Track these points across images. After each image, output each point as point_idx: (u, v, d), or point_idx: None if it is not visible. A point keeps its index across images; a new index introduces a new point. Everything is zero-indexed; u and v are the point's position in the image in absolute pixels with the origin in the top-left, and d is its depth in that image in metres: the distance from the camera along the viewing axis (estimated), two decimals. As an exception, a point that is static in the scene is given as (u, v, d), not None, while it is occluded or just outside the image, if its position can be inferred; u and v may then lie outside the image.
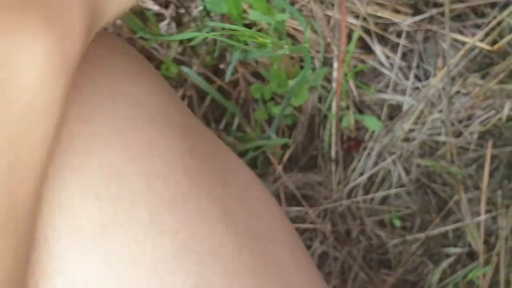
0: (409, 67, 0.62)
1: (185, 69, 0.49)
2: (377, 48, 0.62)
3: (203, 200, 0.33)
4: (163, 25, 0.52)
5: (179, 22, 0.56)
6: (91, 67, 0.32)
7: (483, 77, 0.60)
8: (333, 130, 0.59)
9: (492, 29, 0.60)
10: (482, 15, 0.64)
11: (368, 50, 0.62)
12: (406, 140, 0.61)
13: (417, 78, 0.62)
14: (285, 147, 0.60)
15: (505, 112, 0.57)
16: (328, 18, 0.62)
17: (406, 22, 0.62)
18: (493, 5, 0.63)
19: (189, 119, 0.36)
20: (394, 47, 0.62)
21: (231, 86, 0.56)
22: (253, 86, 0.53)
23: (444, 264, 0.61)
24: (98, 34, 0.35)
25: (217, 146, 0.37)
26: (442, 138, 0.60)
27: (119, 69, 0.33)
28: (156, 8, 0.53)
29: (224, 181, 0.35)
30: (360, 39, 0.61)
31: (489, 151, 0.61)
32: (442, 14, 0.63)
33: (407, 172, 0.62)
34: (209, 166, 0.34)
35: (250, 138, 0.55)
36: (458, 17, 0.64)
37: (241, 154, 0.56)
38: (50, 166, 0.27)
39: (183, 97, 0.56)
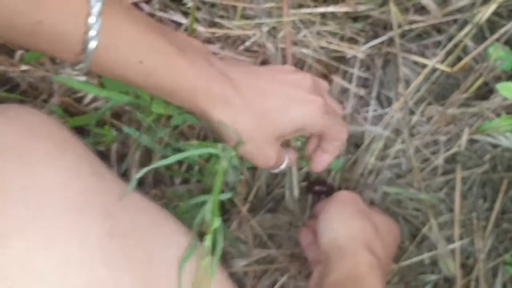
0: (370, 94, 0.60)
1: (127, 129, 0.48)
2: (335, 78, 0.60)
3: (125, 282, 0.33)
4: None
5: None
6: (6, 158, 0.32)
7: (444, 102, 0.59)
8: (294, 174, 0.58)
9: (451, 50, 0.58)
10: (443, 32, 0.62)
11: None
12: (371, 172, 0.60)
13: (381, 104, 0.61)
14: (248, 187, 0.59)
15: (463, 139, 0.55)
16: (282, 52, 0.60)
17: (362, 48, 0.60)
18: (453, 22, 0.61)
19: (113, 192, 0.35)
20: (352, 75, 0.61)
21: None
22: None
23: (422, 293, 0.60)
24: (14, 111, 0.34)
25: (144, 216, 0.37)
26: (406, 166, 0.59)
27: (35, 154, 0.33)
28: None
29: (149, 257, 0.35)
30: (316, 70, 0.60)
31: (459, 173, 0.59)
32: (401, 35, 0.61)
33: (375, 201, 0.61)
34: (131, 244, 0.34)
35: (209, 186, 0.54)
36: (418, 36, 0.62)
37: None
38: None
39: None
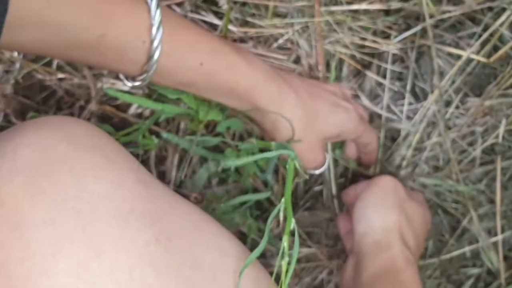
0: (405, 87, 0.60)
1: (165, 134, 0.49)
2: (368, 73, 0.60)
3: (171, 287, 0.34)
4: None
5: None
6: (56, 168, 0.33)
7: (480, 93, 0.58)
8: (331, 171, 0.58)
9: (487, 40, 0.57)
10: (479, 22, 0.60)
11: (362, 77, 0.61)
12: (408, 164, 0.59)
13: (417, 97, 0.60)
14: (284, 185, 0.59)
15: (501, 130, 0.54)
16: (315, 49, 0.60)
17: (395, 41, 0.59)
18: (488, 10, 0.60)
19: (157, 199, 0.36)
20: (386, 69, 0.60)
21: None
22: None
23: (465, 286, 0.59)
24: (59, 123, 0.35)
25: (187, 221, 0.37)
26: (443, 158, 0.58)
27: (83, 165, 0.34)
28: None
29: (193, 262, 0.35)
30: (352, 67, 0.60)
31: (498, 164, 0.58)
32: (435, 26, 0.60)
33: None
34: (176, 249, 0.35)
35: (246, 186, 0.55)
36: (452, 26, 0.61)
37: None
38: (20, 271, 0.29)
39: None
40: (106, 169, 0.34)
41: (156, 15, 0.40)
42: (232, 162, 0.40)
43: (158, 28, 0.40)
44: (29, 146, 0.33)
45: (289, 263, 0.34)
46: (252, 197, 0.49)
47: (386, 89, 0.59)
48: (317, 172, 0.55)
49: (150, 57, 0.40)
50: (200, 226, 0.38)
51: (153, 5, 0.40)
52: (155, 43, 0.40)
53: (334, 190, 0.59)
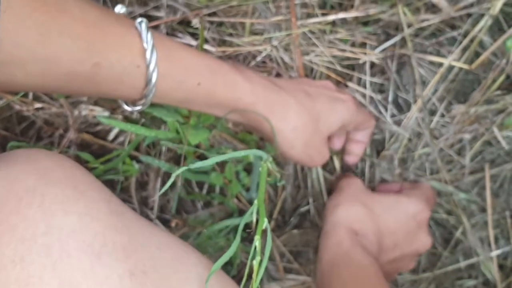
0: (387, 99, 0.59)
1: (144, 158, 0.48)
2: (350, 84, 0.59)
3: None
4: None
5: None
6: (25, 204, 0.32)
7: (465, 100, 0.57)
8: (320, 178, 0.57)
9: (468, 46, 0.57)
10: (458, 29, 0.60)
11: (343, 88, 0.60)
12: (396, 176, 0.58)
13: (400, 109, 0.59)
14: (272, 204, 0.58)
15: (497, 134, 0.53)
16: (295, 63, 0.59)
17: (375, 52, 0.59)
18: (467, 16, 0.59)
19: (132, 230, 0.35)
20: (361, 80, 0.59)
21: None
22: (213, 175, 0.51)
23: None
24: (28, 156, 0.35)
25: (164, 252, 0.36)
26: (431, 168, 0.57)
27: (53, 199, 0.33)
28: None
29: None
30: (330, 79, 0.59)
31: (487, 172, 0.57)
32: (415, 34, 0.60)
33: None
34: (153, 283, 0.34)
35: (231, 208, 0.53)
36: (432, 34, 0.60)
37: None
38: None
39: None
40: (76, 202, 0.33)
41: (148, 38, 0.40)
42: (198, 164, 0.39)
43: (152, 52, 0.40)
44: None
45: (260, 262, 0.33)
46: (234, 221, 0.47)
47: (368, 100, 0.58)
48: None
49: (148, 81, 0.40)
50: (179, 257, 0.37)
51: (143, 29, 0.40)
52: (151, 67, 0.40)
53: (325, 200, 0.57)
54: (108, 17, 0.39)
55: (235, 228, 0.53)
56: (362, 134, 0.56)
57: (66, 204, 0.33)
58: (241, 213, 0.55)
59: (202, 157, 0.54)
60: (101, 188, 0.36)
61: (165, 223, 0.54)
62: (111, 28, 0.39)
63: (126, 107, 0.44)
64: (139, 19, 0.41)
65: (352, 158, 0.57)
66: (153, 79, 0.40)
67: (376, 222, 0.52)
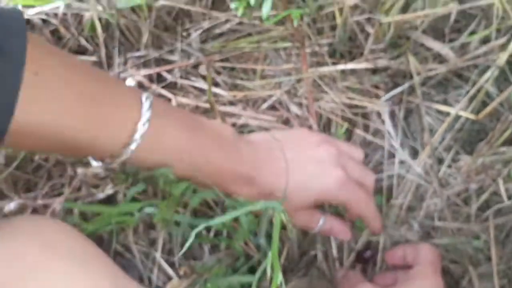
0: (395, 146, 0.59)
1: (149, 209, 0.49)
2: (358, 131, 0.60)
3: None
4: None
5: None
6: (29, 280, 0.32)
7: (471, 149, 0.57)
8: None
9: (475, 96, 0.58)
10: (466, 78, 0.61)
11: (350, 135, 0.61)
12: (402, 223, 0.58)
13: (407, 156, 0.60)
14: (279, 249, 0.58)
15: (501, 186, 0.54)
16: (304, 109, 0.60)
17: (382, 100, 0.60)
18: (474, 67, 0.60)
19: None
20: (370, 128, 0.60)
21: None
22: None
23: None
24: (34, 226, 0.35)
25: None
26: (438, 216, 0.57)
27: (57, 276, 0.34)
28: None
29: None
30: (339, 125, 0.60)
31: (491, 223, 0.57)
32: (422, 83, 0.61)
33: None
34: None
35: (238, 252, 0.54)
36: (439, 83, 0.61)
37: (233, 268, 0.55)
38: None
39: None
40: (80, 277, 0.34)
41: (146, 114, 0.43)
42: (218, 219, 0.40)
43: (144, 125, 0.43)
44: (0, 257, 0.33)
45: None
46: (244, 279, 0.48)
47: (375, 147, 0.59)
48: (316, 229, 0.56)
49: (125, 148, 0.43)
50: None
51: (145, 109, 0.43)
52: (135, 137, 0.42)
53: (334, 252, 0.57)
54: (111, 91, 0.42)
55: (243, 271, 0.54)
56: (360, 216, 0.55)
57: (69, 280, 0.34)
58: (248, 257, 0.55)
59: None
60: (107, 263, 0.37)
61: (172, 265, 0.55)
62: (112, 105, 0.42)
63: (94, 163, 0.46)
64: (146, 95, 0.44)
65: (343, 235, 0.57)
66: (131, 147, 0.43)
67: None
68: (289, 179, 0.50)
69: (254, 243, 0.56)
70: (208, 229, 0.57)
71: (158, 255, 0.53)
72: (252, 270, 0.57)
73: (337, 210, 0.57)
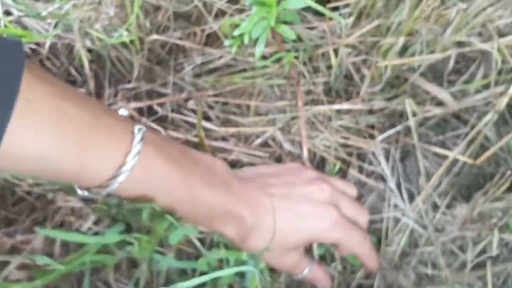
0: (390, 189, 0.58)
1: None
2: (352, 171, 0.58)
3: None
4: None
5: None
6: None
7: (468, 195, 0.56)
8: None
9: (473, 139, 0.56)
10: (464, 121, 0.60)
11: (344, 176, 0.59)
12: (396, 267, 0.56)
13: (402, 199, 0.58)
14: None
15: (495, 241, 0.52)
16: (297, 147, 0.59)
17: (378, 140, 0.58)
18: (473, 111, 0.59)
19: None
20: (364, 168, 0.58)
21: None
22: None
23: None
24: None
25: None
26: (432, 263, 0.55)
27: None
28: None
29: None
30: (333, 165, 0.58)
31: (489, 270, 0.55)
32: (420, 124, 0.59)
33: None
34: None
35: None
36: (437, 125, 0.60)
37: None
38: None
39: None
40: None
41: (137, 146, 0.42)
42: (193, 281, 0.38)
43: (134, 157, 0.41)
44: None
45: None
46: None
47: (369, 189, 0.57)
48: (300, 276, 0.53)
49: (113, 179, 0.41)
50: None
51: (136, 141, 0.42)
52: (124, 168, 0.41)
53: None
54: (102, 122, 0.41)
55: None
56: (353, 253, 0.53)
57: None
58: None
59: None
60: None
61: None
62: (103, 135, 0.41)
63: (78, 191, 0.44)
64: (138, 127, 0.43)
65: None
66: (119, 180, 0.41)
67: None
68: (281, 219, 0.49)
69: (241, 286, 0.54)
70: (193, 271, 0.55)
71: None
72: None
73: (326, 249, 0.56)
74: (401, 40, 0.52)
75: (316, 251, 0.55)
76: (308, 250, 0.56)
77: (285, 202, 0.50)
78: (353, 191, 0.55)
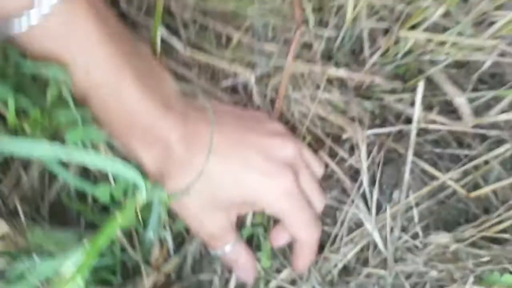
0: (358, 191, 0.47)
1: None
2: (321, 154, 0.47)
3: None
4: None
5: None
6: None
7: (445, 227, 0.45)
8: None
9: (471, 171, 0.46)
10: (467, 146, 0.49)
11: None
12: (332, 285, 0.45)
13: (367, 207, 0.47)
14: (165, 258, 0.44)
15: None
16: (269, 105, 0.48)
17: (365, 132, 0.47)
18: (481, 139, 0.49)
19: None
20: (342, 161, 0.47)
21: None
22: None
23: None
24: None
25: None
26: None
27: None
28: None
29: None
30: (303, 140, 0.47)
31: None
32: (417, 133, 0.49)
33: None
34: None
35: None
36: (435, 141, 0.50)
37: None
38: None
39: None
40: None
41: None
42: None
43: None
44: None
45: None
46: None
47: (335, 183, 0.46)
48: (212, 252, 0.42)
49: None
50: None
51: None
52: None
53: (233, 284, 0.43)
54: None
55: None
56: (296, 243, 0.42)
57: None
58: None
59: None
60: None
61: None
62: None
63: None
64: None
65: (274, 243, 0.43)
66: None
67: None
68: (221, 164, 0.37)
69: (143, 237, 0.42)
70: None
71: None
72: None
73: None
74: (440, 11, 0.41)
75: (249, 220, 0.43)
76: (239, 226, 0.44)
77: (233, 145, 0.38)
78: (319, 169, 0.44)
